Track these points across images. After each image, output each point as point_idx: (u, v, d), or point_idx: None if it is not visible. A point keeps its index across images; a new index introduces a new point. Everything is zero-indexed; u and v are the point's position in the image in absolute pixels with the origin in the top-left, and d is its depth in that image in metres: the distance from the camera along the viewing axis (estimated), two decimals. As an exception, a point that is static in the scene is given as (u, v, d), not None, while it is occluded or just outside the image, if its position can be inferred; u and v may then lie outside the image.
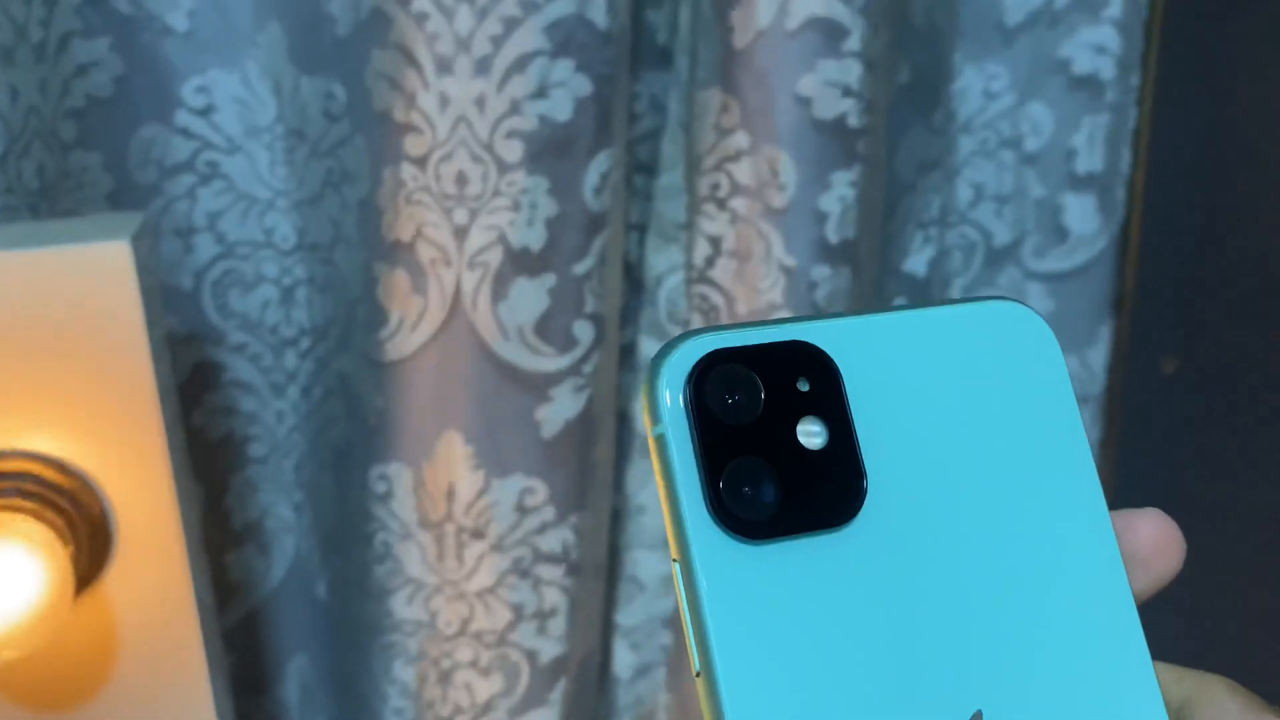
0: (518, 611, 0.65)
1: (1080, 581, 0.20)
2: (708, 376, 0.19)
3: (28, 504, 0.47)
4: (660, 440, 0.19)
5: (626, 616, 0.74)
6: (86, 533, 0.49)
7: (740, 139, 0.61)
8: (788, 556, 0.19)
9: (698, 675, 0.18)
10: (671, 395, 0.19)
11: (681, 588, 0.18)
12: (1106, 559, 0.20)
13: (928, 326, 0.20)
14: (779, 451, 0.19)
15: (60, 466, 0.49)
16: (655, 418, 0.19)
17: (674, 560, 0.19)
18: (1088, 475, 0.21)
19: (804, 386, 0.19)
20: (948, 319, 0.21)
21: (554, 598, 0.66)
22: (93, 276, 0.48)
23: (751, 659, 0.18)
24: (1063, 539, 0.20)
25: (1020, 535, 0.20)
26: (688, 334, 0.19)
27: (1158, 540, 0.21)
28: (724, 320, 0.65)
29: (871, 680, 0.18)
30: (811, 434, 0.19)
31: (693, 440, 0.19)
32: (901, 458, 0.20)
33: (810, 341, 0.20)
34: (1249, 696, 0.21)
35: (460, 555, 0.64)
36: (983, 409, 0.20)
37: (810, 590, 0.18)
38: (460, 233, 0.59)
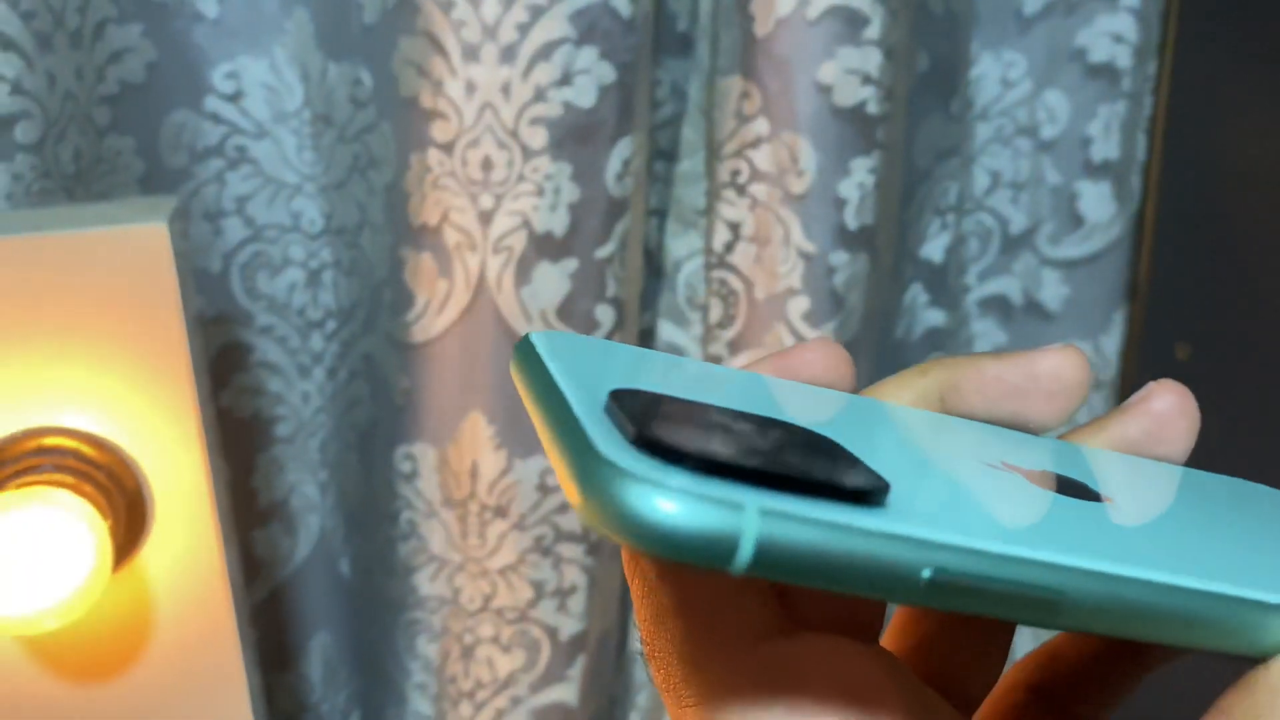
0: (539, 589, 0.67)
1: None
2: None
3: (68, 479, 0.49)
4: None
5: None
6: (123, 507, 0.51)
7: (760, 125, 0.62)
8: None
9: None
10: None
11: None
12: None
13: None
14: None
15: (98, 443, 0.50)
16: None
17: None
18: None
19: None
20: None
21: (574, 575, 0.67)
22: (131, 258, 0.49)
23: None
24: None
25: None
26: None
27: (1169, 409, 0.21)
28: (741, 306, 0.66)
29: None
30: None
31: None
32: None
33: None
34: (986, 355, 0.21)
35: (483, 533, 0.66)
36: None
37: None
38: (485, 217, 0.60)
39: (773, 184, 0.62)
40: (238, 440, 0.70)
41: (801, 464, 0.16)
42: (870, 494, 0.15)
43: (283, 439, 0.71)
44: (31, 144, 0.55)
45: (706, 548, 0.14)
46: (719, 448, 0.15)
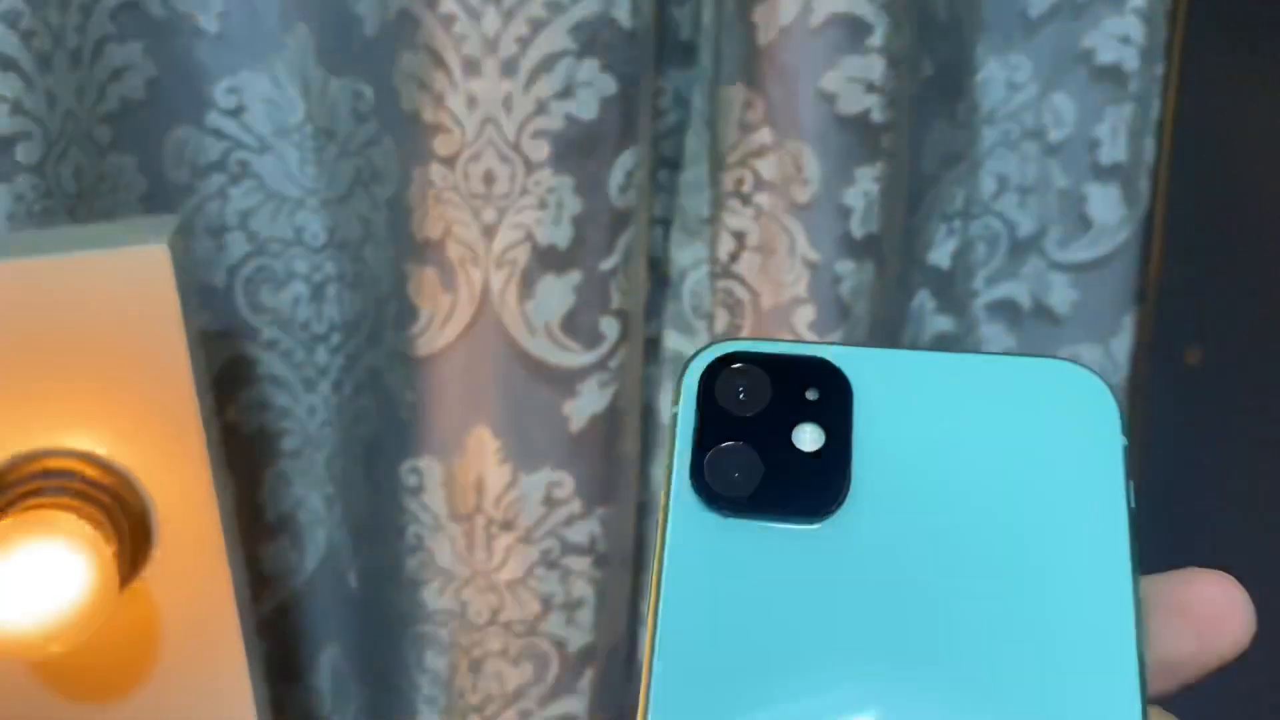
0: (547, 602, 0.67)
1: (1066, 640, 0.19)
2: (724, 372, 0.22)
3: (73, 501, 0.49)
4: (672, 418, 0.22)
5: (653, 606, 0.75)
6: (129, 528, 0.51)
7: (764, 135, 0.61)
8: (754, 537, 0.20)
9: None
10: (689, 383, 0.22)
11: (654, 546, 0.21)
12: (1109, 625, 0.19)
13: (968, 371, 0.22)
14: (769, 444, 0.21)
15: (102, 464, 0.50)
16: (674, 400, 0.22)
17: (658, 521, 0.21)
18: (1113, 542, 0.20)
19: (812, 396, 0.21)
20: (994, 368, 0.22)
21: (582, 588, 0.67)
22: (132, 279, 0.49)
23: (692, 613, 0.20)
24: (1058, 595, 0.20)
25: (1005, 582, 0.20)
26: (726, 338, 0.22)
27: (1216, 606, 0.19)
28: (747, 315, 0.66)
29: (795, 668, 0.19)
30: (807, 438, 0.21)
31: (695, 421, 0.21)
32: (899, 482, 0.21)
33: (830, 360, 0.22)
34: None
35: (490, 547, 0.65)
36: (1004, 459, 0.21)
37: (766, 572, 0.20)
38: (488, 231, 0.60)
39: (777, 193, 0.62)
40: (244, 455, 0.70)
41: None
42: None
43: (289, 453, 0.71)
44: (33, 164, 0.55)
45: None
46: None
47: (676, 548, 0.20)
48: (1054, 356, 0.21)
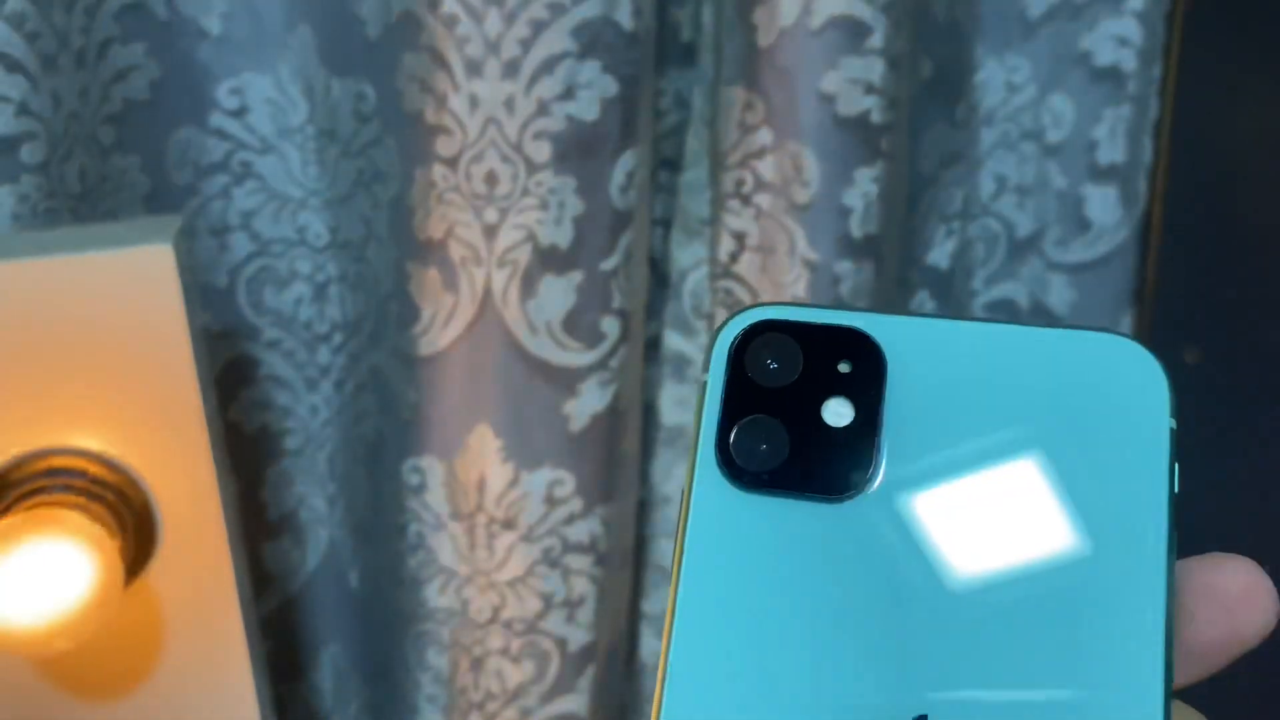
0: (547, 600, 0.67)
1: (1095, 626, 0.19)
2: (755, 341, 0.21)
3: (78, 499, 0.49)
4: (700, 387, 0.21)
5: (653, 604, 0.76)
6: (133, 526, 0.51)
7: (764, 136, 0.62)
8: (778, 513, 0.20)
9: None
10: (719, 351, 0.21)
11: (677, 519, 0.20)
12: (1140, 612, 0.19)
13: (1013, 342, 0.20)
14: (798, 418, 0.20)
15: (107, 462, 0.51)
16: (702, 367, 0.21)
17: (681, 492, 0.21)
18: (1152, 527, 0.19)
19: (845, 369, 0.21)
20: (1041, 340, 0.20)
21: (582, 587, 0.67)
22: (136, 279, 0.49)
23: (712, 589, 0.20)
24: (1091, 582, 0.19)
25: (1037, 564, 0.19)
26: (762, 304, 0.22)
27: (1245, 591, 0.19)
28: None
29: (814, 648, 0.19)
30: (838, 413, 0.20)
31: (723, 391, 0.21)
32: (932, 460, 0.20)
33: (865, 330, 0.21)
34: None
35: (491, 545, 0.66)
36: (1044, 437, 0.20)
37: (787, 549, 0.20)
38: (490, 231, 0.60)
39: (777, 194, 0.62)
40: (246, 454, 0.70)
41: None
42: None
43: (291, 452, 0.71)
44: (37, 165, 0.55)
45: None
46: None
47: (699, 522, 0.20)
48: (1106, 330, 0.20)
